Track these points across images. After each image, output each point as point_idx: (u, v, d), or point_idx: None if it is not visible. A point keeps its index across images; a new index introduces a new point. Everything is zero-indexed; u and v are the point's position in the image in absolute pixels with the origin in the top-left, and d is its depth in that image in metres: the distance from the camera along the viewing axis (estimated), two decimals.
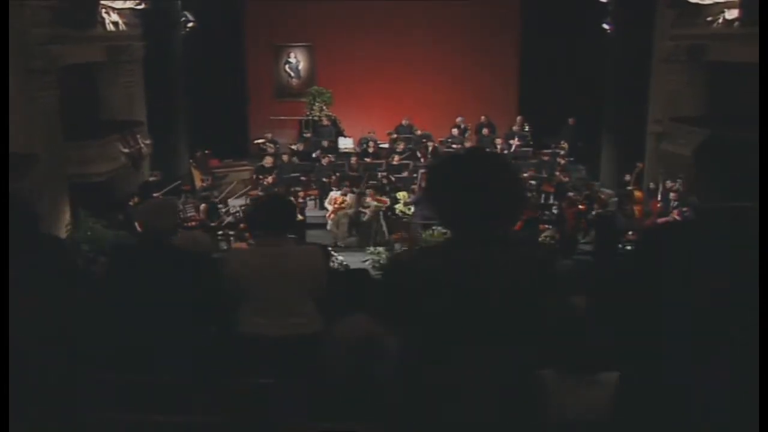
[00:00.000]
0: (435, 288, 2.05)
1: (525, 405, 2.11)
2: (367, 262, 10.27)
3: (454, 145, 15.37)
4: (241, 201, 13.30)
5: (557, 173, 13.94)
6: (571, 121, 16.00)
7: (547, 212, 12.56)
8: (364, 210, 12.30)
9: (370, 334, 2.85)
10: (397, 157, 14.63)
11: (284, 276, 3.54)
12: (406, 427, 2.25)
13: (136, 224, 3.72)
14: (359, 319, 3.36)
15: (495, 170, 2.09)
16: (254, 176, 14.26)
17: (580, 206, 11.99)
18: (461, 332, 2.06)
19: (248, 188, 13.87)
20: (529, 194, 12.42)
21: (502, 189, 2.07)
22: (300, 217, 12.12)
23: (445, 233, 11.36)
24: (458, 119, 16.64)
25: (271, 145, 15.73)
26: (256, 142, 16.62)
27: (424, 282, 2.07)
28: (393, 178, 13.86)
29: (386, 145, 16.15)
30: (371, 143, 15.75)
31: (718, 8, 12.02)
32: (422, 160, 14.55)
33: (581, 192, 12.96)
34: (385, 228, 12.46)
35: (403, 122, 16.85)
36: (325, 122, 17.19)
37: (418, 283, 2.08)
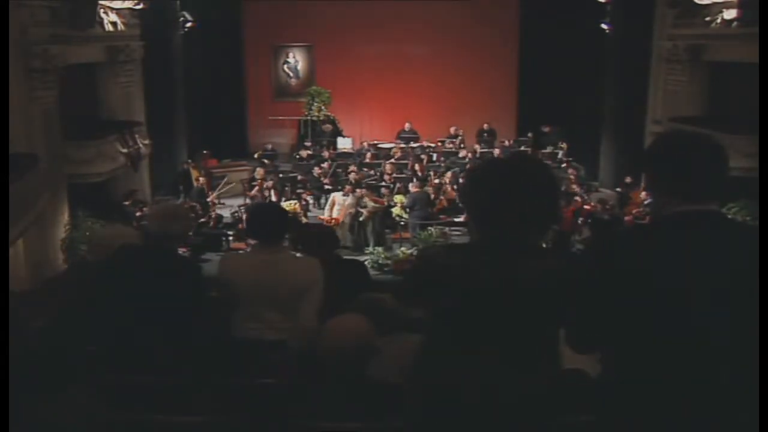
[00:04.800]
0: (464, 286, 2.03)
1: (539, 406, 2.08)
2: (365, 263, 10.27)
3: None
4: (240, 201, 13.29)
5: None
6: (546, 129, 16.01)
7: None
8: (361, 210, 12.29)
9: (362, 334, 2.83)
10: (389, 167, 14.15)
11: (280, 283, 3.52)
12: (408, 426, 2.24)
13: (147, 227, 3.67)
14: (352, 318, 3.35)
15: (538, 177, 2.05)
16: (243, 185, 14.16)
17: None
18: (482, 333, 2.04)
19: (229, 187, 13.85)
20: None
21: (544, 197, 2.04)
22: (305, 219, 12.06)
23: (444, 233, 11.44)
24: (452, 129, 16.58)
25: (267, 161, 15.43)
26: (255, 156, 16.35)
27: (455, 279, 2.04)
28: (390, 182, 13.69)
29: (389, 145, 16.11)
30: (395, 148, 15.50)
31: (717, 8, 12.02)
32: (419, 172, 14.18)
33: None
34: (382, 229, 12.44)
35: (406, 127, 16.79)
36: (324, 122, 17.17)
37: (447, 279, 2.05)
